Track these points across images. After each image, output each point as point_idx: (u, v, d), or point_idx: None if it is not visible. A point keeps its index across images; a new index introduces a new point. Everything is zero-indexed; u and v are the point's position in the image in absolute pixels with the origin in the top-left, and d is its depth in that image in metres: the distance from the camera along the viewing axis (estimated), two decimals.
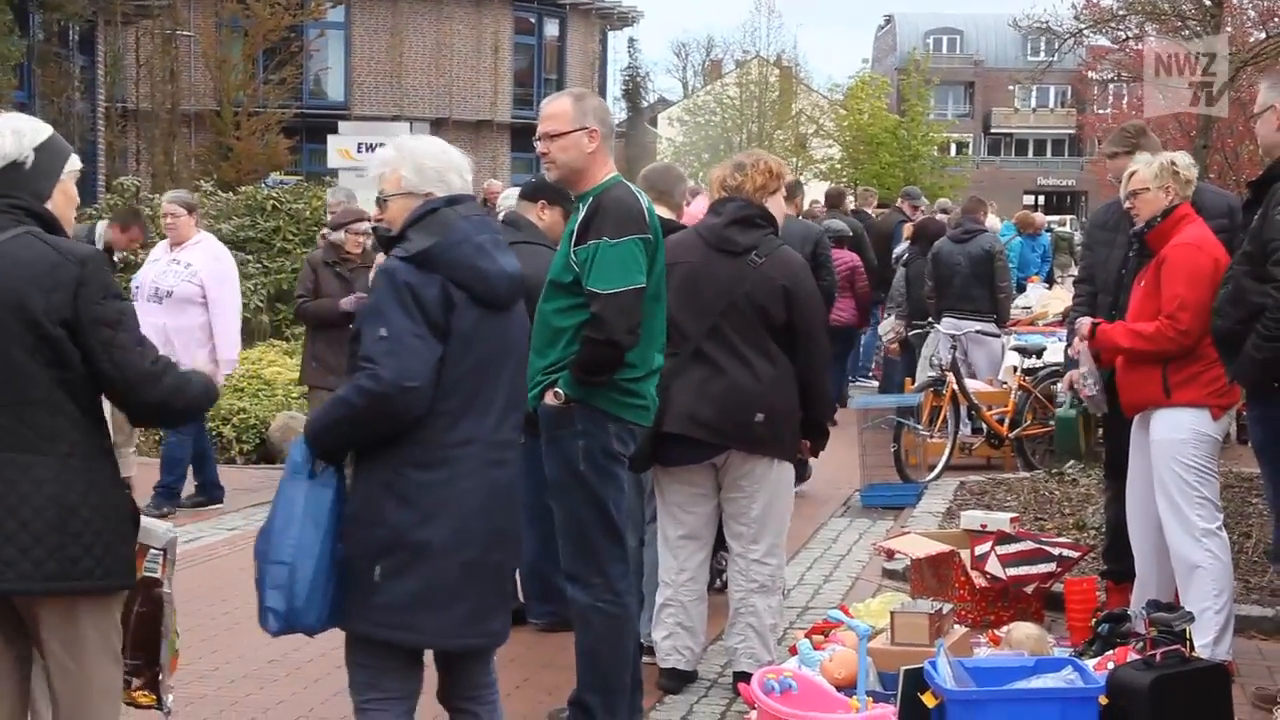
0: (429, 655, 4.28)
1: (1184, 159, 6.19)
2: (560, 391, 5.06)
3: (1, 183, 3.86)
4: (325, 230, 10.75)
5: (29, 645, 3.92)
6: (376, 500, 4.02)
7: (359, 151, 15.10)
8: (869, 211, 17.33)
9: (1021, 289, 16.25)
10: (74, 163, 4.07)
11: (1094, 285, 6.85)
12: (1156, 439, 6.04)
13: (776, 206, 6.05)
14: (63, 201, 3.99)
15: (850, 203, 17.30)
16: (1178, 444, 5.97)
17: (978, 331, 11.79)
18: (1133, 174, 6.21)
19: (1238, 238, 6.16)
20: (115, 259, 10.28)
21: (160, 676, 4.35)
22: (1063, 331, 11.31)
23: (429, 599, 4.03)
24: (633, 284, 4.99)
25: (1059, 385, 6.96)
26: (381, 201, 4.35)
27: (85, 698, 3.89)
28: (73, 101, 21.86)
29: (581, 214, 5.12)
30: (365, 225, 10.00)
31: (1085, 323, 6.38)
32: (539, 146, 5.19)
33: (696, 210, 7.09)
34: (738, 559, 5.95)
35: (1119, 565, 6.68)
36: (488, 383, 4.12)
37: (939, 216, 14.23)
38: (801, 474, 6.31)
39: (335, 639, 4.29)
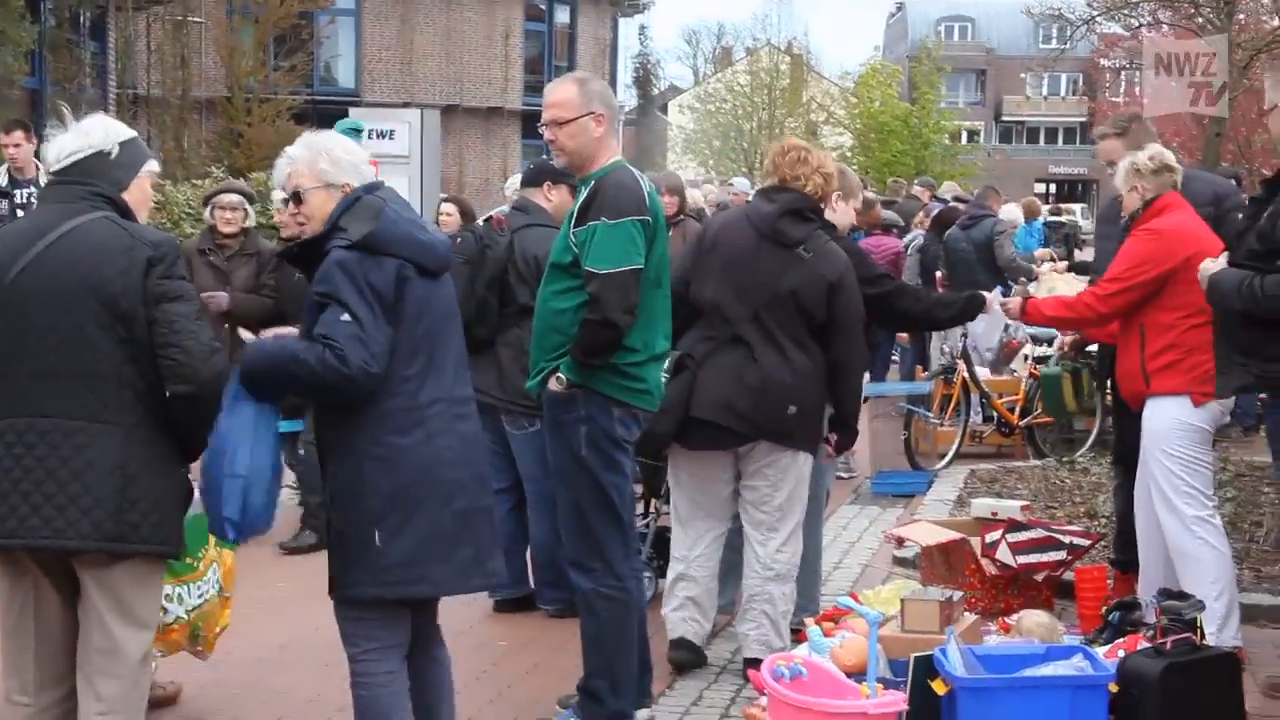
0: None
1: (1145, 155, 6.17)
2: (563, 377, 5.07)
3: (86, 170, 4.15)
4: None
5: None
6: (361, 471, 4.26)
7: (370, 138, 15.05)
8: (897, 199, 17.32)
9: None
10: (152, 165, 4.36)
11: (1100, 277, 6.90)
12: (1145, 429, 6.07)
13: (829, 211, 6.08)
14: (138, 196, 4.26)
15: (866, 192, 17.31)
16: (1161, 434, 5.98)
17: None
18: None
19: (1227, 221, 6.23)
20: None
21: None
22: None
23: (433, 551, 4.28)
24: (630, 264, 5.01)
25: (1053, 347, 7.06)
26: (295, 198, 4.41)
27: (118, 653, 4.11)
28: (84, 88, 21.77)
29: (582, 197, 5.14)
30: (236, 197, 8.40)
31: (1016, 302, 6.58)
32: (546, 133, 5.20)
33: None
34: (757, 548, 5.94)
35: (1126, 555, 6.68)
36: (440, 345, 4.37)
37: (952, 205, 14.21)
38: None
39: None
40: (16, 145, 10.53)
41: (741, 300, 5.75)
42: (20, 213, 9.84)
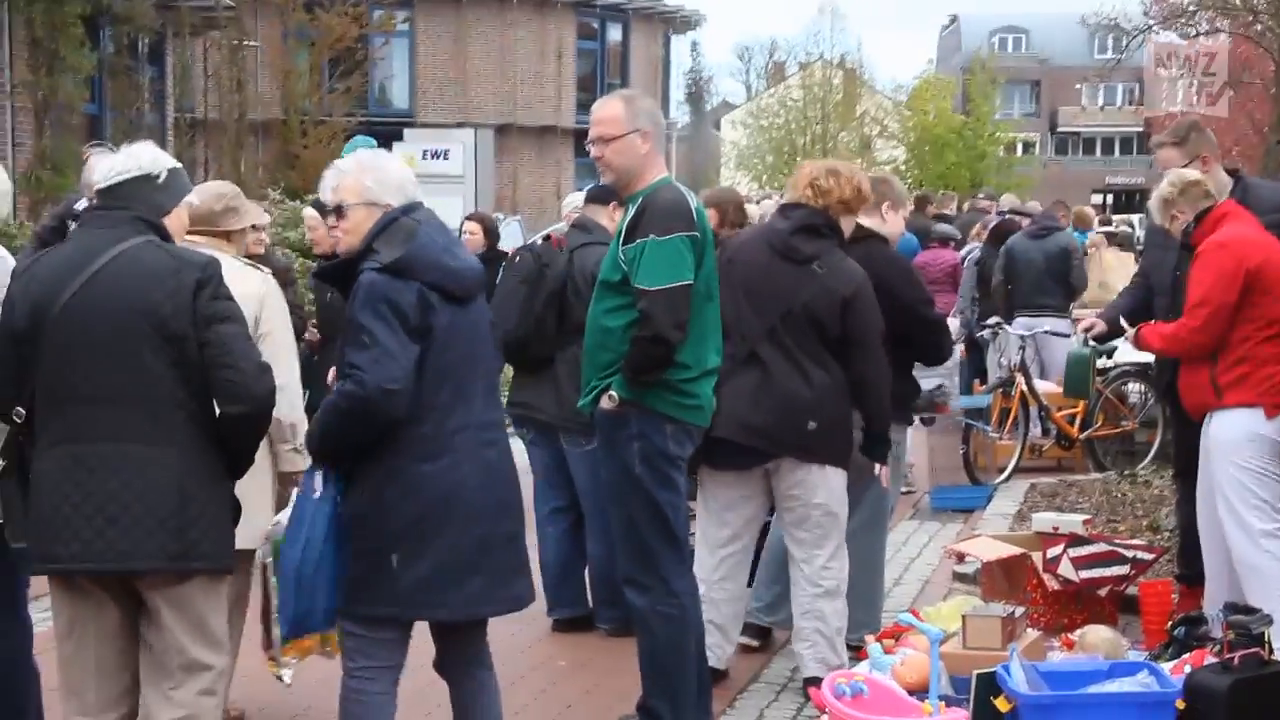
0: (421, 629, 4.54)
1: (1165, 184, 6.16)
2: (615, 394, 5.06)
3: (130, 192, 4.22)
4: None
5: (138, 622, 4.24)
6: (384, 495, 4.30)
7: (424, 159, 15.16)
8: (949, 213, 17.23)
9: None
10: (191, 198, 4.47)
11: (1149, 281, 6.87)
12: (1212, 441, 5.99)
13: (847, 226, 6.05)
14: (175, 225, 4.34)
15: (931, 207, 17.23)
16: (1232, 446, 5.91)
17: (1048, 331, 11.67)
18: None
19: None
20: None
21: (272, 652, 4.97)
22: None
23: (449, 576, 4.32)
24: (680, 280, 5.00)
25: (1078, 330, 7.01)
26: (337, 211, 4.46)
27: (195, 670, 4.20)
28: (142, 113, 22.02)
29: (630, 214, 5.13)
30: (266, 216, 7.95)
31: (1132, 330, 6.44)
32: (592, 151, 5.21)
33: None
34: (802, 565, 5.91)
35: (1191, 569, 6.60)
36: (468, 372, 4.39)
37: (1010, 217, 14.17)
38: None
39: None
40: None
41: (757, 317, 5.76)
42: None
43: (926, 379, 6.94)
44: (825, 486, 5.82)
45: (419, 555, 4.29)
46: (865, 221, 6.37)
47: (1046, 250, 12.04)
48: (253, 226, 8.15)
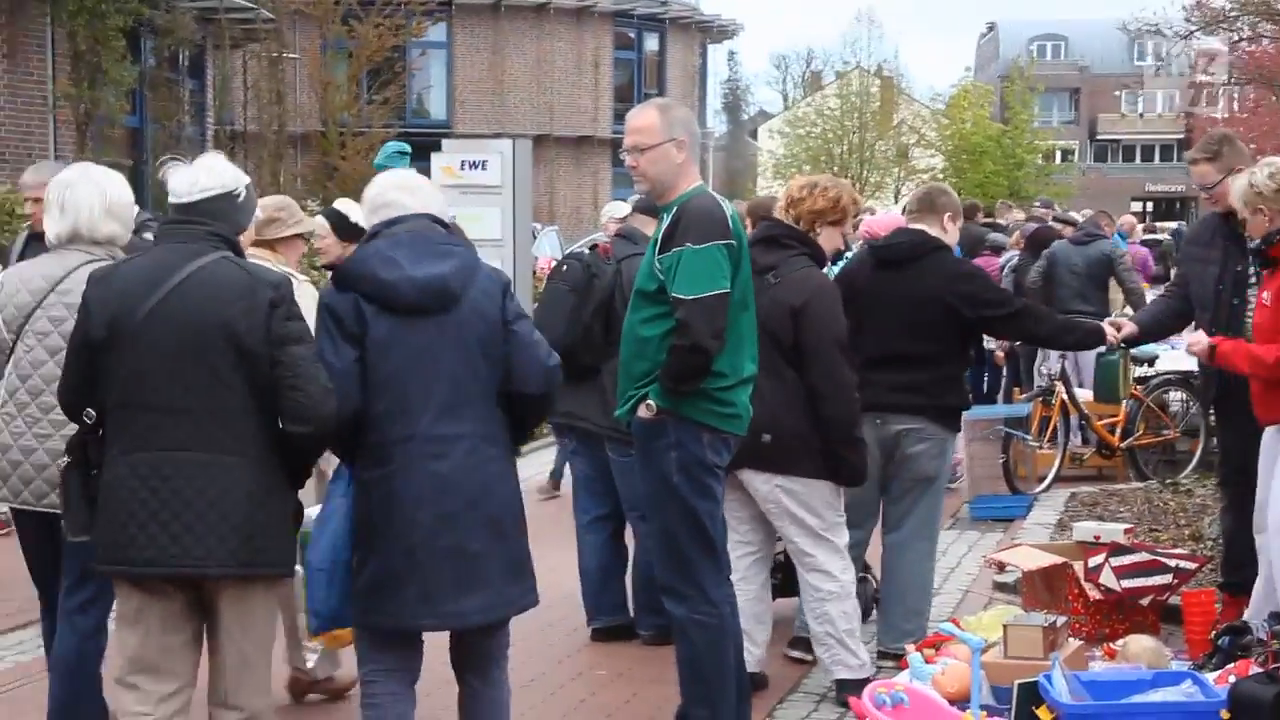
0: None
1: (1263, 173, 5.89)
2: (652, 404, 5.05)
3: (211, 210, 4.33)
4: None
5: (202, 620, 4.37)
6: (353, 501, 4.42)
7: (462, 169, 15.13)
8: (1003, 223, 17.15)
9: None
10: (258, 213, 4.68)
11: (1185, 292, 6.76)
12: None
13: (829, 239, 6.12)
14: (245, 239, 4.52)
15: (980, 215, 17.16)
16: None
17: None
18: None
19: None
20: None
21: (301, 640, 5.47)
22: (1176, 340, 11.13)
23: (381, 585, 4.39)
24: (717, 289, 4.98)
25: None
26: None
27: (249, 665, 4.35)
28: (183, 125, 22.17)
29: (665, 223, 5.12)
30: (312, 225, 7.51)
31: (1203, 342, 6.14)
32: (627, 160, 5.21)
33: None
34: (802, 573, 5.99)
35: (1236, 577, 6.54)
36: (415, 384, 4.38)
37: (1048, 224, 14.14)
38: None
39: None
40: None
41: None
42: None
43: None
44: (795, 496, 5.84)
45: (365, 561, 4.41)
46: (932, 231, 6.39)
47: (1088, 256, 12.08)
48: (301, 236, 8.27)
